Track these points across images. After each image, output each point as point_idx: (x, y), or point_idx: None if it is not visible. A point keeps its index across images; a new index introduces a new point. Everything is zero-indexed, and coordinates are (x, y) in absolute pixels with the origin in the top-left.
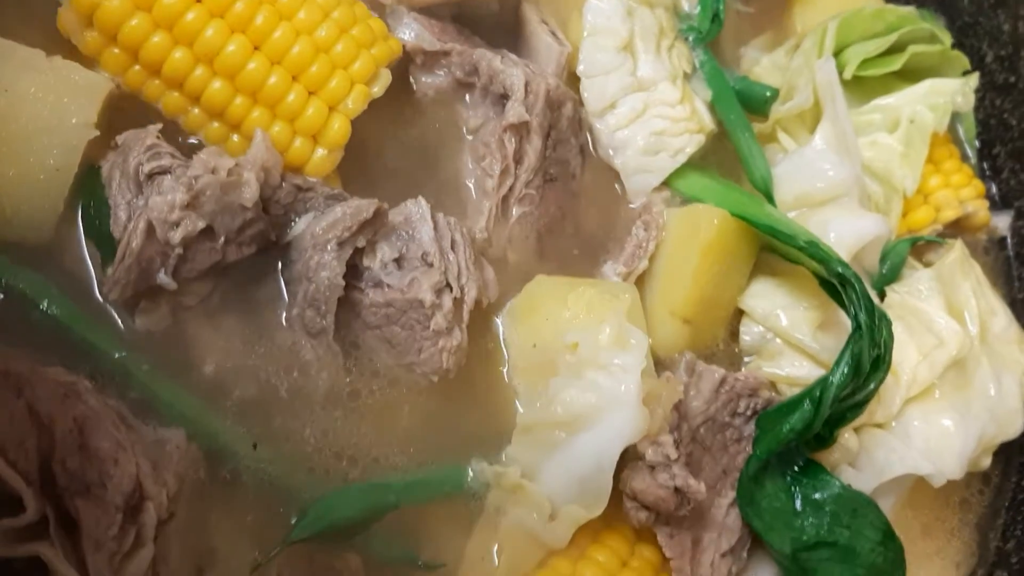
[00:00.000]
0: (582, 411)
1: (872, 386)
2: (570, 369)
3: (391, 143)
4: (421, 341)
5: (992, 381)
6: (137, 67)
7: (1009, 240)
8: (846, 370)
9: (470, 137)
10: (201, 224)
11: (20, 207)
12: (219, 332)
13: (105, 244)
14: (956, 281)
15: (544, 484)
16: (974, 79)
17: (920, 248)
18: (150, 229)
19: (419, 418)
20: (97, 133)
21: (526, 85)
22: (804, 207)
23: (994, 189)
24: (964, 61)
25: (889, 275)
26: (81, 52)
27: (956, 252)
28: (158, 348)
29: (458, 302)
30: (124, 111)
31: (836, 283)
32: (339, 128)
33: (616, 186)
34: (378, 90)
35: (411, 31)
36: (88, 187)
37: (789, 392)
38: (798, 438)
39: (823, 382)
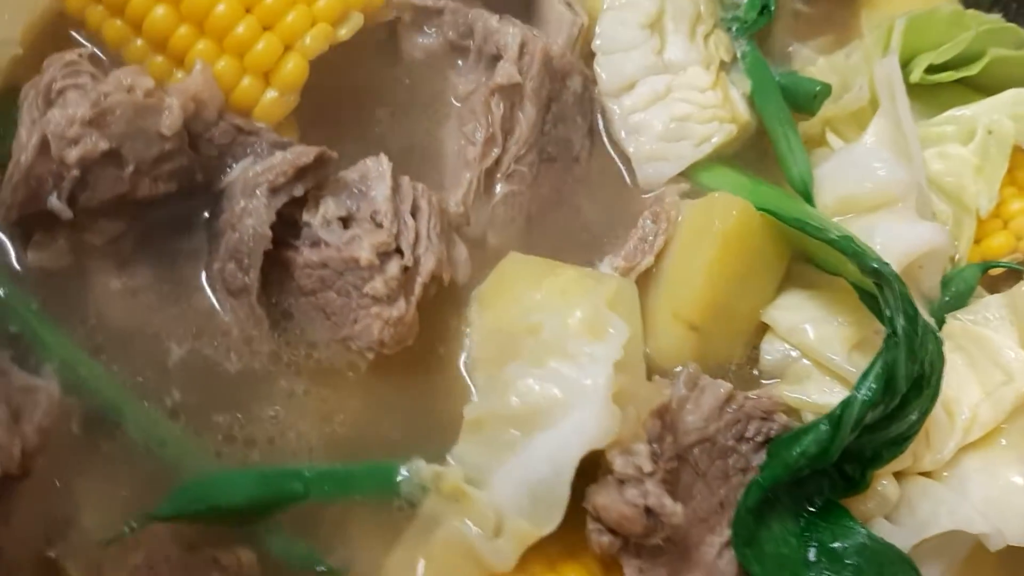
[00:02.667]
0: (541, 405)
1: (914, 417)
2: (530, 354)
3: (365, 102)
4: (357, 310)
5: None
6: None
7: None
8: (874, 385)
9: (459, 105)
10: (104, 145)
11: None
12: (127, 282)
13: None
14: None
15: (492, 492)
16: None
17: (993, 279)
18: (44, 144)
19: (352, 403)
20: (19, 51)
21: (521, 45)
22: (849, 212)
23: None
24: None
25: (954, 303)
26: None
27: None
28: (51, 288)
29: (409, 272)
30: (66, 41)
31: (872, 282)
32: (294, 67)
33: (627, 176)
34: (345, 32)
35: None
36: (3, 111)
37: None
38: (811, 465)
39: (845, 400)
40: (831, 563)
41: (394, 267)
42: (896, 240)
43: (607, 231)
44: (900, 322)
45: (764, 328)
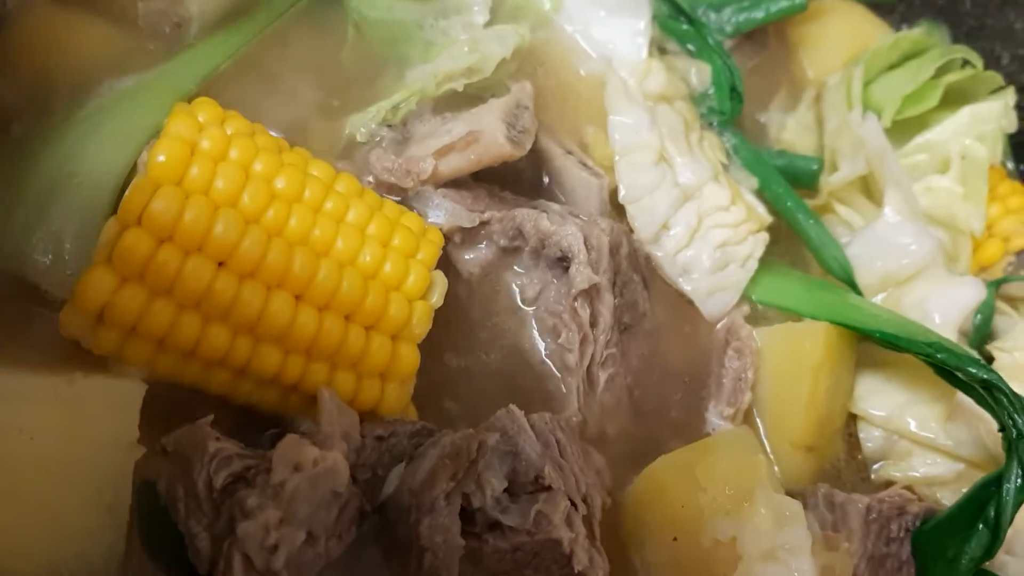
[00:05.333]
0: None
1: None
2: (732, 567)
3: (448, 342)
4: None
5: None
6: (168, 353)
7: None
8: (1020, 482)
9: (529, 308)
10: (301, 535)
11: (75, 564)
12: None
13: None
14: None
15: None
16: (1010, 94)
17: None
18: (247, 562)
19: None
20: (143, 451)
21: (585, 242)
22: (890, 287)
23: None
24: (996, 79)
25: (983, 327)
26: (94, 352)
27: None
28: None
29: (587, 520)
30: (159, 399)
31: (977, 388)
32: (407, 357)
33: (689, 309)
34: (437, 299)
35: (443, 211)
36: (146, 509)
37: (930, 493)
38: (978, 565)
39: (995, 501)
40: None
41: (580, 526)
42: (950, 307)
43: (696, 373)
44: (1019, 419)
45: (853, 415)
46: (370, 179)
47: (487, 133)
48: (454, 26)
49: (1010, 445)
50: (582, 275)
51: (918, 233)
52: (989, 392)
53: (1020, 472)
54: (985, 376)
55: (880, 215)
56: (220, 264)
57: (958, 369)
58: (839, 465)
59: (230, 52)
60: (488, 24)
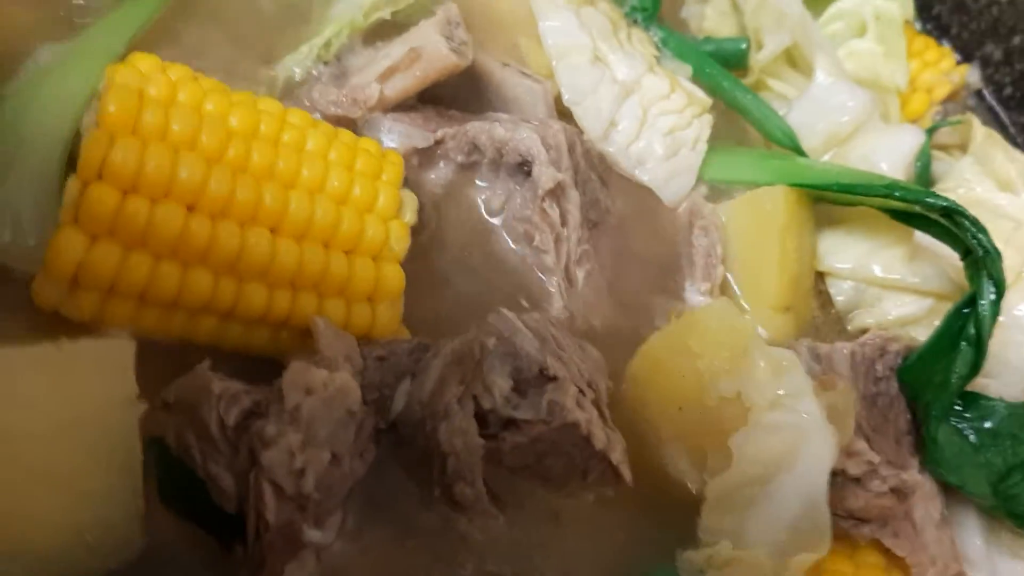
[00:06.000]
0: (773, 458)
1: None
2: (741, 421)
3: (424, 259)
4: (585, 463)
5: None
6: (150, 307)
7: (985, 91)
8: (994, 297)
9: (496, 219)
10: (326, 455)
11: (97, 529)
12: (366, 552)
13: (210, 521)
14: (993, 155)
15: (754, 544)
16: None
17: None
18: (277, 489)
19: (599, 542)
20: (144, 406)
21: (543, 142)
22: (834, 147)
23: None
24: None
25: (923, 173)
26: (75, 319)
27: (979, 127)
28: None
29: (596, 402)
30: (149, 355)
31: (937, 219)
32: (392, 276)
33: (649, 198)
34: (411, 216)
35: (396, 134)
36: (160, 466)
37: (904, 333)
38: (966, 382)
39: (973, 319)
40: (992, 440)
41: (591, 408)
42: (895, 153)
43: (669, 256)
44: (985, 239)
45: (821, 274)
46: (317, 115)
47: (428, 48)
48: None
49: (977, 264)
50: (546, 175)
51: (852, 90)
52: (950, 218)
53: (993, 287)
54: (944, 204)
55: (813, 80)
56: (189, 208)
57: (917, 202)
58: (816, 323)
59: (152, 9)
60: None
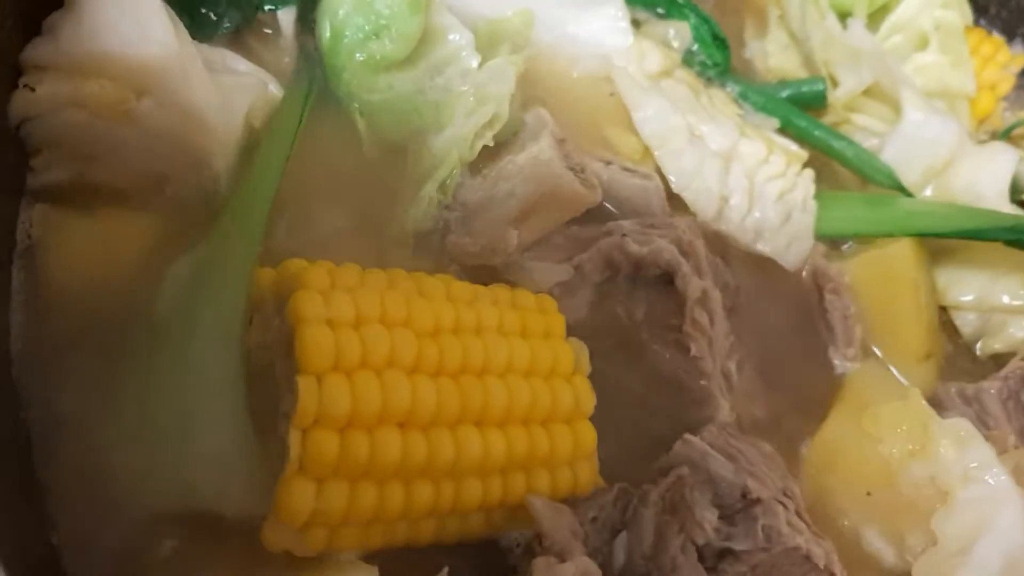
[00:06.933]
0: (973, 528)
1: None
2: (936, 500)
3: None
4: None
5: None
6: (377, 526)
7: None
8: None
9: (642, 329)
10: None
11: None
12: None
13: None
14: None
15: None
16: None
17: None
18: None
19: None
20: None
21: (680, 250)
22: (932, 179)
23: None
24: None
25: (1016, 182)
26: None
27: None
28: None
29: (799, 512)
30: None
31: None
32: (587, 433)
33: (770, 268)
34: (587, 366)
35: (537, 273)
36: None
37: None
38: None
39: None
40: None
41: (800, 525)
42: (994, 176)
43: (804, 321)
44: None
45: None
46: (454, 267)
47: (563, 186)
48: (451, 79)
49: None
50: (692, 285)
51: (944, 122)
52: None
53: None
54: None
55: (903, 117)
56: (401, 426)
57: None
58: (949, 357)
59: (269, 190)
60: (481, 64)
